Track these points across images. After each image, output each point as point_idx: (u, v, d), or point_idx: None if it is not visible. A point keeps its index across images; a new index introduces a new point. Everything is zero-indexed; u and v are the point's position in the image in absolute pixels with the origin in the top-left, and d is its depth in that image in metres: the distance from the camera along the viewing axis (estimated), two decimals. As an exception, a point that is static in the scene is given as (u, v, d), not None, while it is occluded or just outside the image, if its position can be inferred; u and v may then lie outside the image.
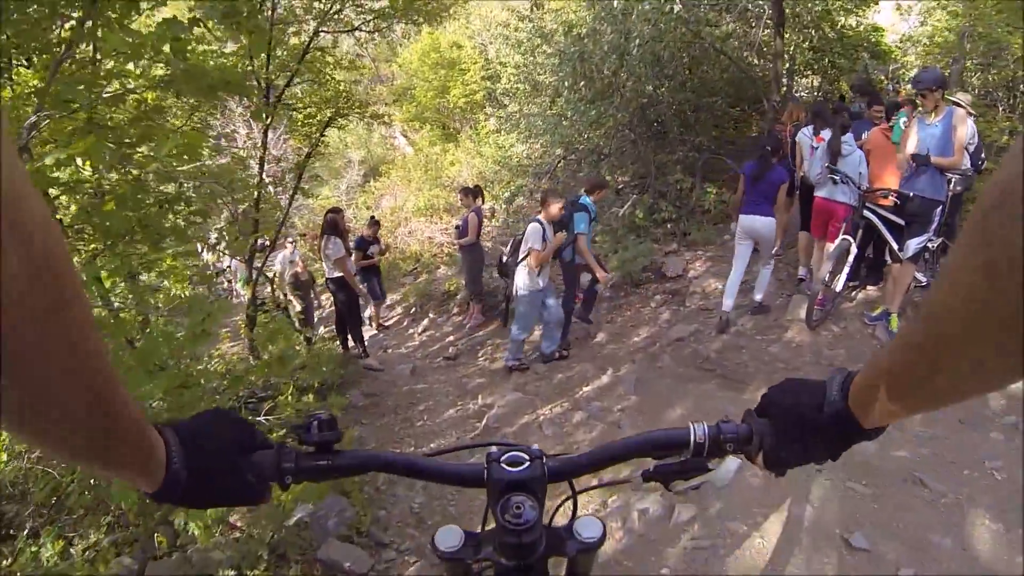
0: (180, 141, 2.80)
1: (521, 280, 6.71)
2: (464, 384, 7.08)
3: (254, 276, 7.57)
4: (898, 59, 13.70)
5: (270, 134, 11.59)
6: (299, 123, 8.14)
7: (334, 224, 8.01)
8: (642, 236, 9.59)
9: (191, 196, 4.23)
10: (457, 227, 9.44)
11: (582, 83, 10.21)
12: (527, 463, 0.92)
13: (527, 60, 14.10)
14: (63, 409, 0.56)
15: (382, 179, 18.10)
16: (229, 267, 11.83)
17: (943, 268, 0.58)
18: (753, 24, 11.89)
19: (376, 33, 9.13)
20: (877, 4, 12.77)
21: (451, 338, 9.27)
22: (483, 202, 9.72)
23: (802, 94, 13.23)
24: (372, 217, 10.52)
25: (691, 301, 7.77)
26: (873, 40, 13.02)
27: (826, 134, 6.62)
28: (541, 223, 6.59)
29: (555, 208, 6.61)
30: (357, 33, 8.89)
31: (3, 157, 0.44)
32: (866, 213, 6.00)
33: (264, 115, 7.25)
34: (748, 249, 6.73)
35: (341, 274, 7.97)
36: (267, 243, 8.41)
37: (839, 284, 6.19)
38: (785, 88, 11.46)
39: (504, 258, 7.14)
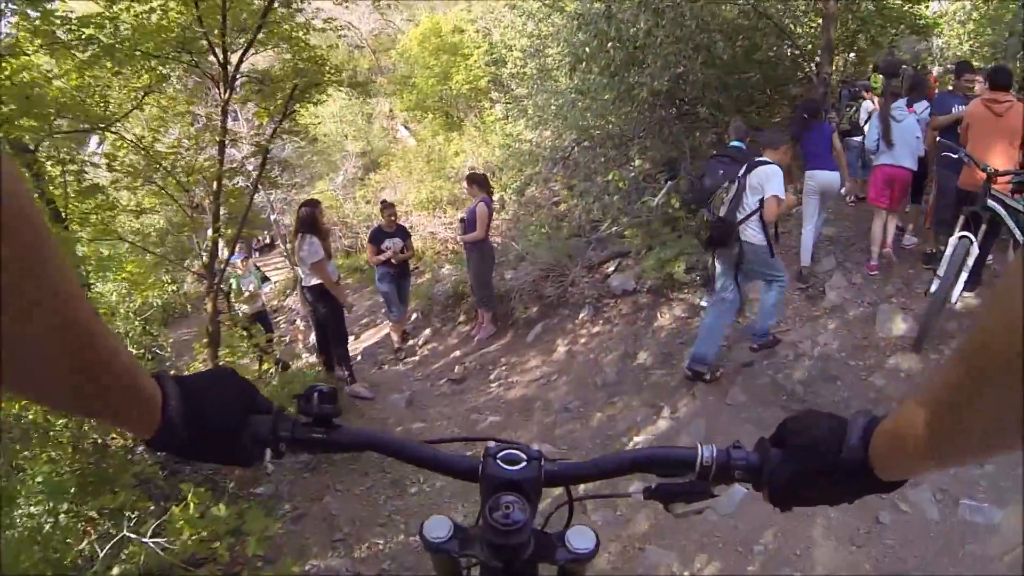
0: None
1: (753, 234, 4.94)
2: (474, 422, 5.41)
3: (214, 284, 5.95)
4: (942, 33, 11.78)
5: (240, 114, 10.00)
6: (261, 98, 6.44)
7: (310, 220, 6.33)
8: (678, 229, 7.89)
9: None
10: (462, 220, 7.69)
11: (609, 45, 8.34)
12: (524, 463, 0.88)
13: (533, 42, 12.82)
14: (45, 351, 0.54)
15: (382, 171, 16.43)
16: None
17: (989, 294, 0.48)
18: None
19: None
20: None
21: (457, 352, 7.59)
22: (492, 192, 7.96)
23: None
24: (383, 201, 8.61)
25: (751, 309, 6.07)
26: (915, 13, 11.04)
27: (920, 106, 6.46)
28: (780, 166, 4.98)
29: (787, 154, 5.25)
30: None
31: None
32: (990, 203, 4.78)
33: (222, 89, 5.78)
34: (817, 202, 6.39)
35: (319, 281, 6.30)
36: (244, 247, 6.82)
37: (955, 293, 4.78)
38: (816, 64, 9.60)
39: (720, 212, 5.15)
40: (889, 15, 10.54)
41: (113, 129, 5.93)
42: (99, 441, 3.67)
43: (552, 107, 11.65)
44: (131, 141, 6.06)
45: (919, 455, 0.66)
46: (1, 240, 0.45)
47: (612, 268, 7.66)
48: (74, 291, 0.54)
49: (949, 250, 4.75)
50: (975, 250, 4.70)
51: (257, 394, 0.87)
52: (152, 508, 3.24)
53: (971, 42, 11.17)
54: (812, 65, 9.78)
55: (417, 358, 7.80)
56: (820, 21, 9.15)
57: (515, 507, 0.82)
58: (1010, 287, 0.46)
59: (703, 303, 6.31)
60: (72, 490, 3.18)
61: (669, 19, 7.82)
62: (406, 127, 19.76)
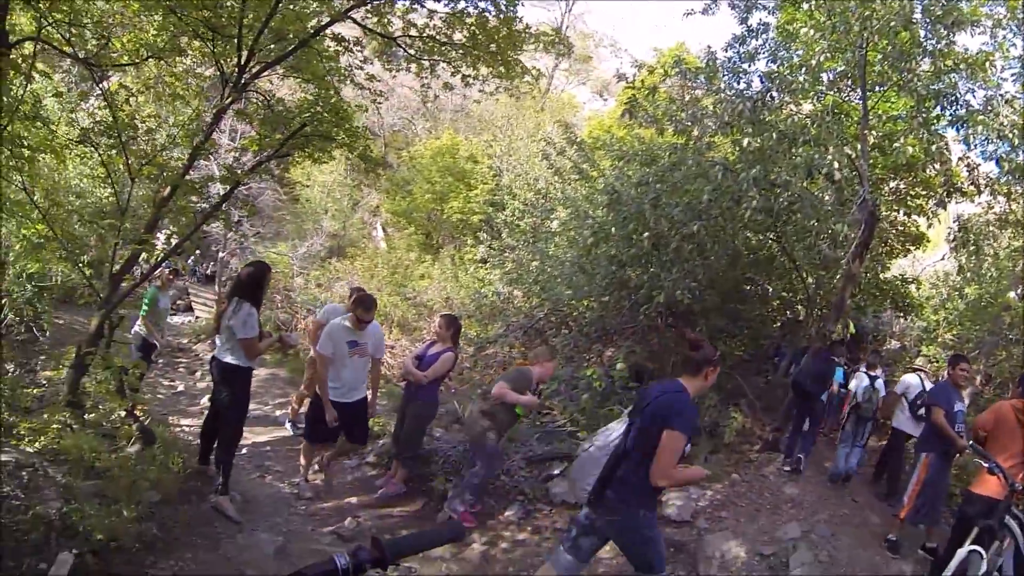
0: None
1: None
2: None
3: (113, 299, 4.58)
4: (926, 318, 11.24)
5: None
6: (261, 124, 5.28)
7: (254, 286, 4.97)
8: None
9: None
10: (419, 357, 6.24)
11: (644, 236, 7.40)
12: None
13: (538, 200, 12.38)
14: None
15: (346, 262, 15.15)
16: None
17: None
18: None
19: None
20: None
21: (354, 499, 6.03)
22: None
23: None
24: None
25: (706, 568, 4.96)
26: (906, 292, 10.50)
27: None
28: None
29: None
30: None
31: None
32: (1008, 520, 4.26)
33: (224, 89, 4.77)
34: None
35: (236, 361, 4.90)
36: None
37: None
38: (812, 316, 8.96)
39: None
40: (884, 288, 10.15)
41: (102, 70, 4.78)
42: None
43: (532, 269, 10.90)
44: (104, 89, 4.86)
45: None
46: None
47: (557, 471, 6.42)
48: None
49: (954, 563, 4.14)
50: (983, 567, 4.03)
51: None
52: None
53: (952, 330, 10.72)
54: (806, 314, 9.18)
55: (306, 486, 6.19)
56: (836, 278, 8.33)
57: None
58: None
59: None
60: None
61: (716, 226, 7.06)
62: (384, 229, 18.78)
